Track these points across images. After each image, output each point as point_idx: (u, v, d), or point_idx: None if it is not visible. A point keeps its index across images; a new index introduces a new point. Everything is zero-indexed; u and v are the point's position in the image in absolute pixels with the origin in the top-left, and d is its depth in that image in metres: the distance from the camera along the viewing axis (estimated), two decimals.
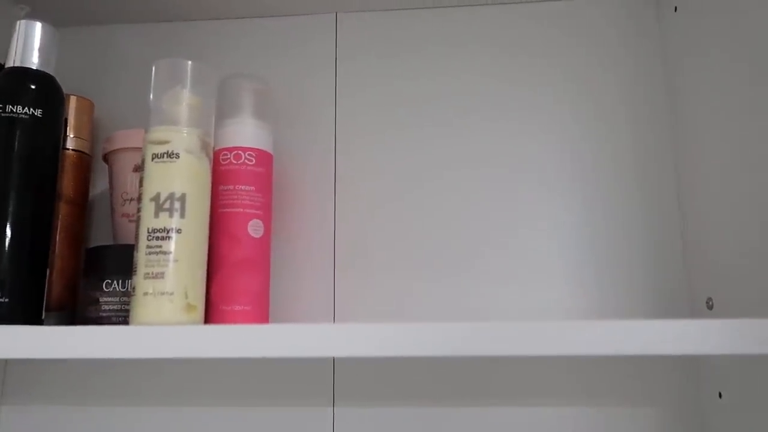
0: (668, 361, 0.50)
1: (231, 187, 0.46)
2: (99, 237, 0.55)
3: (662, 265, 0.52)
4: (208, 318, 0.44)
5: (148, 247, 0.39)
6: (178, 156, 0.40)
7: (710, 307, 0.47)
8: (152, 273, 0.39)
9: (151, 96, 0.42)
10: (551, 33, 0.57)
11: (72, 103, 0.51)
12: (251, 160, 0.47)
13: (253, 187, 0.47)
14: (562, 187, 0.54)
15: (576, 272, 0.52)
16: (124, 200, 0.48)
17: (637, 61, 0.56)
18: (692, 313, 0.50)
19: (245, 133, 0.47)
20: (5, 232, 0.40)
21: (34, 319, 0.41)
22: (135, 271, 0.40)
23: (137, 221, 0.40)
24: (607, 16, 0.57)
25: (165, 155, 0.40)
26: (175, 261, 0.39)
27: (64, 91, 0.45)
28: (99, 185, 0.56)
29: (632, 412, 0.50)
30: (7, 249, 0.40)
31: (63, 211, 0.48)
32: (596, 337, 0.33)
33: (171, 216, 0.40)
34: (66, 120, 0.50)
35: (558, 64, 0.56)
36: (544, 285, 0.52)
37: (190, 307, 0.39)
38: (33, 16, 0.57)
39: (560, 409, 0.50)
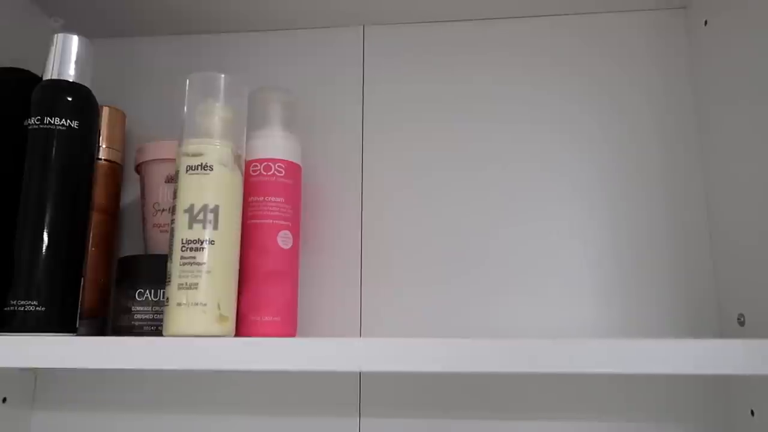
0: (699, 377, 0.50)
1: (261, 198, 0.46)
2: (129, 246, 0.56)
3: (691, 279, 0.51)
4: (238, 328, 0.44)
5: (182, 257, 0.40)
6: (211, 168, 0.41)
7: (741, 324, 0.46)
8: (186, 284, 0.39)
9: (185, 109, 0.43)
10: (580, 46, 0.57)
11: (104, 114, 0.51)
12: (281, 172, 0.47)
13: (282, 199, 0.47)
14: (590, 201, 0.54)
15: (603, 288, 0.52)
16: (156, 210, 0.49)
17: (665, 74, 0.56)
18: (722, 330, 0.50)
19: (275, 145, 0.48)
20: (42, 241, 0.41)
21: (69, 328, 0.41)
22: (168, 281, 0.40)
23: (171, 232, 0.41)
24: (635, 29, 0.57)
25: (199, 167, 0.41)
26: (208, 272, 0.40)
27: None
28: (129, 195, 0.57)
29: (661, 428, 0.49)
30: (43, 258, 0.41)
31: (95, 220, 0.49)
32: (622, 356, 0.33)
33: (204, 227, 0.40)
34: (99, 130, 0.50)
35: (586, 78, 0.56)
36: (571, 301, 0.52)
37: (222, 318, 0.40)
38: (66, 28, 0.58)
39: (589, 424, 0.50)
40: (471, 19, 0.59)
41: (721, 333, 0.50)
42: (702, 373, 0.32)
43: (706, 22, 0.52)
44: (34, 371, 0.55)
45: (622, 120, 0.55)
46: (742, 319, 0.46)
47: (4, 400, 0.51)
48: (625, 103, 0.56)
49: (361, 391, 0.52)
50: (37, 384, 0.55)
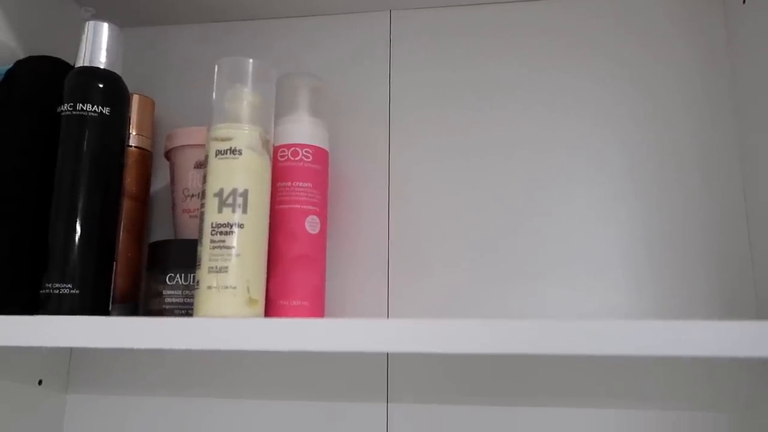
0: (735, 364, 0.49)
1: (288, 183, 0.47)
2: (159, 232, 0.57)
3: (727, 264, 0.50)
4: (267, 312, 0.44)
5: (212, 241, 0.40)
6: (240, 152, 0.41)
7: None
8: (216, 267, 0.39)
9: (214, 94, 0.43)
10: (609, 28, 0.56)
11: (135, 102, 0.52)
12: (308, 157, 0.47)
13: (309, 184, 0.47)
14: (623, 185, 0.53)
15: (637, 273, 0.51)
16: (186, 196, 0.50)
17: (700, 56, 0.54)
18: (760, 315, 0.48)
19: (302, 130, 0.48)
20: (75, 226, 0.42)
21: (102, 311, 0.42)
22: (199, 264, 0.40)
23: (201, 216, 0.41)
24: (668, 9, 0.55)
25: (228, 152, 0.41)
26: (238, 255, 0.40)
27: None
28: (159, 181, 0.58)
29: (698, 416, 0.48)
30: (77, 243, 0.42)
31: (126, 206, 0.50)
32: (661, 338, 0.32)
33: (234, 211, 0.40)
34: (129, 118, 0.51)
35: (617, 61, 0.55)
36: (602, 285, 0.51)
37: (251, 301, 0.40)
38: (97, 17, 0.59)
39: (623, 412, 0.49)
40: (498, 3, 0.58)
41: (759, 318, 0.48)
42: (737, 355, 0.31)
43: (744, 1, 0.51)
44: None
45: (655, 104, 0.54)
46: None
47: (40, 382, 0.52)
48: (658, 87, 0.54)
49: (389, 375, 0.52)
50: (71, 366, 0.56)
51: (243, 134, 0.42)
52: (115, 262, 0.44)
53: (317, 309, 0.46)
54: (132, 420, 0.55)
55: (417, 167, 0.56)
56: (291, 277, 0.45)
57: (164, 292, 0.45)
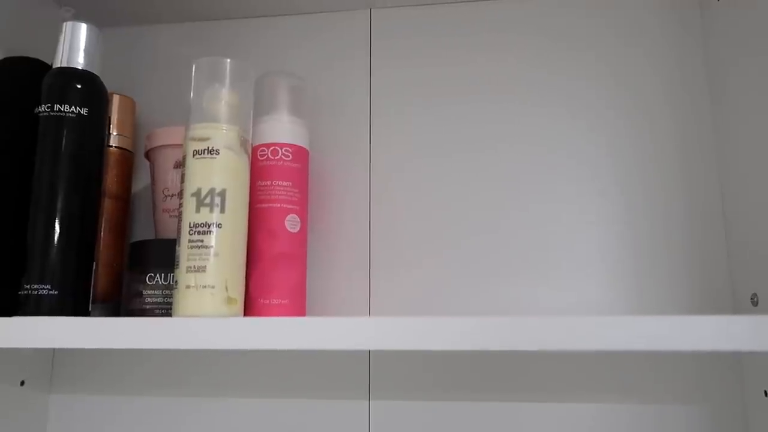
0: (711, 358, 0.49)
1: (268, 182, 0.47)
2: (140, 232, 0.57)
3: (705, 260, 0.51)
4: (247, 311, 0.44)
5: (190, 241, 0.40)
6: (218, 152, 0.41)
7: (755, 304, 0.46)
8: (194, 266, 0.40)
9: (192, 93, 0.43)
10: (589, 24, 0.56)
11: (115, 102, 0.52)
12: (288, 156, 0.47)
13: (289, 183, 0.47)
14: (603, 181, 0.53)
15: (616, 269, 0.52)
16: (166, 196, 0.50)
17: (678, 52, 0.54)
18: (736, 310, 0.49)
19: (282, 129, 0.48)
20: (54, 226, 0.42)
21: (82, 311, 0.42)
22: (177, 264, 0.40)
23: (179, 216, 0.41)
24: (648, 5, 0.56)
25: (205, 152, 0.41)
26: (216, 255, 0.40)
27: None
28: (140, 181, 0.58)
29: (675, 410, 0.49)
30: (56, 243, 0.42)
31: (107, 206, 0.50)
32: (635, 333, 0.32)
33: (212, 211, 0.40)
34: (109, 118, 0.51)
35: (596, 56, 0.55)
36: (583, 281, 0.52)
37: (230, 300, 0.40)
38: (76, 18, 0.59)
39: (601, 406, 0.50)
40: (477, 0, 0.58)
41: (735, 313, 0.49)
42: (715, 349, 0.32)
43: None
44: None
45: (634, 99, 0.54)
46: (755, 299, 0.46)
47: (22, 383, 0.52)
48: (638, 82, 0.55)
49: (371, 373, 0.53)
50: (54, 367, 0.56)
51: (220, 134, 0.42)
52: (95, 263, 0.44)
53: (298, 307, 0.47)
54: (115, 420, 0.55)
55: (398, 165, 0.56)
56: (271, 276, 0.46)
57: (144, 292, 0.45)
